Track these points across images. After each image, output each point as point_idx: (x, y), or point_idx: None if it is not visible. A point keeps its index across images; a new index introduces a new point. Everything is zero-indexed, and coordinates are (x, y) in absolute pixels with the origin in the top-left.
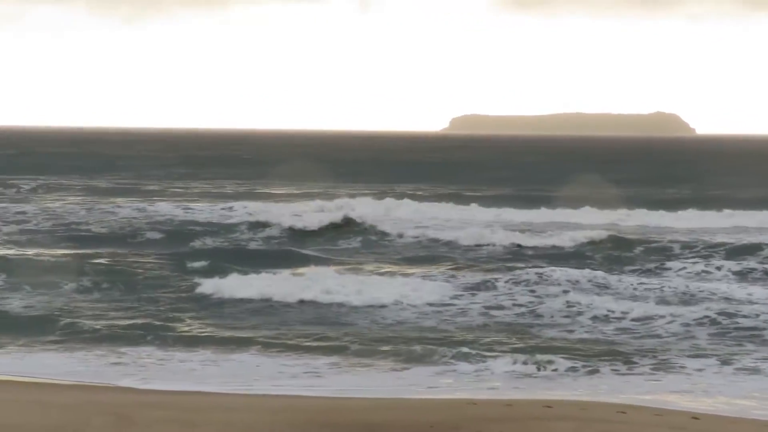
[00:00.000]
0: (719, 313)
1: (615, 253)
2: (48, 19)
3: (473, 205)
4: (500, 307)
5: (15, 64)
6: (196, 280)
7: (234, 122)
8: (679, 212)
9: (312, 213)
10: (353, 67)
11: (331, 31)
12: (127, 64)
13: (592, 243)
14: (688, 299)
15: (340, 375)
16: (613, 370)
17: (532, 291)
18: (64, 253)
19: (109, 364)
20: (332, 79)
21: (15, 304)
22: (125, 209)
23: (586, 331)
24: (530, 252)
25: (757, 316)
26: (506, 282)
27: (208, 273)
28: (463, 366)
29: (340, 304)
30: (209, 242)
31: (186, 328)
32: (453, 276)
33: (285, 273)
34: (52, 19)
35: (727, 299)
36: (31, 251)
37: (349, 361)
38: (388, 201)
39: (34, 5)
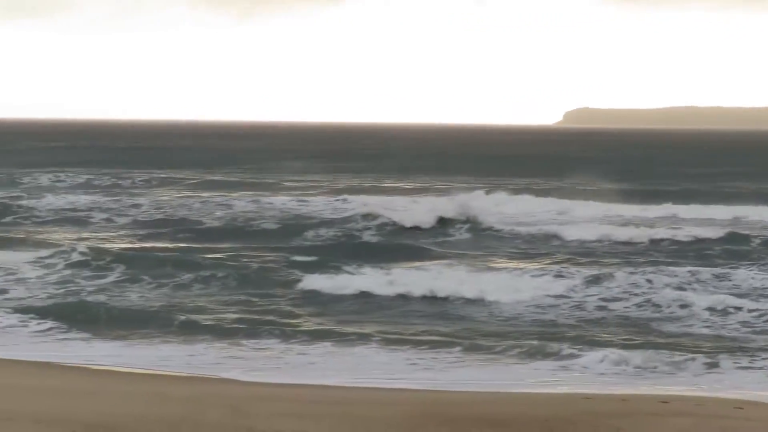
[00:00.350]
0: None
1: (734, 247)
2: (167, 14)
3: (588, 200)
4: (617, 301)
5: (135, 59)
6: (311, 273)
7: (350, 116)
8: None
9: (425, 206)
10: (468, 60)
11: (447, 24)
12: (241, 58)
13: (711, 238)
14: None
15: (457, 369)
16: (731, 365)
17: (650, 285)
18: (178, 246)
19: (226, 357)
20: (447, 72)
21: (133, 297)
22: (240, 202)
23: (705, 326)
24: (646, 246)
25: None
26: (623, 276)
27: (323, 267)
28: (579, 360)
29: (455, 298)
30: (323, 235)
31: (303, 322)
32: (568, 270)
33: (399, 266)
34: (171, 14)
35: None
36: (146, 244)
37: (466, 354)
38: (501, 195)
39: (159, 3)
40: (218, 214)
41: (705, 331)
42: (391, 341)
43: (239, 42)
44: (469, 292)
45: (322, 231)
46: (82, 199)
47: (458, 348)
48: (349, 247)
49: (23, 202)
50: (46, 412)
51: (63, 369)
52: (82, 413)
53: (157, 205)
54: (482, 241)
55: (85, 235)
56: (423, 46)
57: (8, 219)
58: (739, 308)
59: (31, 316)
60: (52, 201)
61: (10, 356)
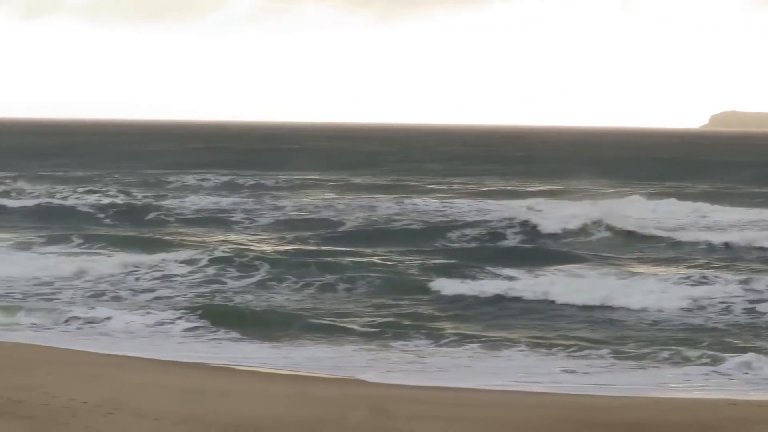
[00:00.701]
0: None
1: None
2: (307, 16)
3: (734, 205)
4: (764, 303)
5: (282, 61)
6: (454, 276)
7: (492, 119)
8: None
9: (569, 210)
10: (612, 63)
11: (592, 27)
12: (380, 61)
13: None
14: None
15: (601, 373)
16: None
17: None
18: (322, 248)
19: (370, 359)
20: (591, 75)
21: (279, 298)
22: (383, 204)
23: None
24: None
25: None
26: None
27: (466, 269)
28: (724, 365)
29: (600, 304)
30: (467, 238)
31: (447, 325)
32: (714, 274)
33: (543, 270)
34: (311, 16)
35: None
36: (290, 246)
37: (611, 359)
38: (645, 199)
39: (296, 4)
40: (361, 215)
41: None
42: (536, 345)
43: (378, 44)
44: (612, 298)
45: (465, 233)
46: (226, 200)
47: (603, 352)
48: (493, 251)
49: (167, 203)
50: (190, 413)
51: (208, 369)
52: (225, 414)
53: (300, 207)
54: (626, 246)
55: (229, 235)
56: (563, 48)
57: (155, 219)
58: None
59: (178, 316)
60: (196, 201)
61: (159, 356)
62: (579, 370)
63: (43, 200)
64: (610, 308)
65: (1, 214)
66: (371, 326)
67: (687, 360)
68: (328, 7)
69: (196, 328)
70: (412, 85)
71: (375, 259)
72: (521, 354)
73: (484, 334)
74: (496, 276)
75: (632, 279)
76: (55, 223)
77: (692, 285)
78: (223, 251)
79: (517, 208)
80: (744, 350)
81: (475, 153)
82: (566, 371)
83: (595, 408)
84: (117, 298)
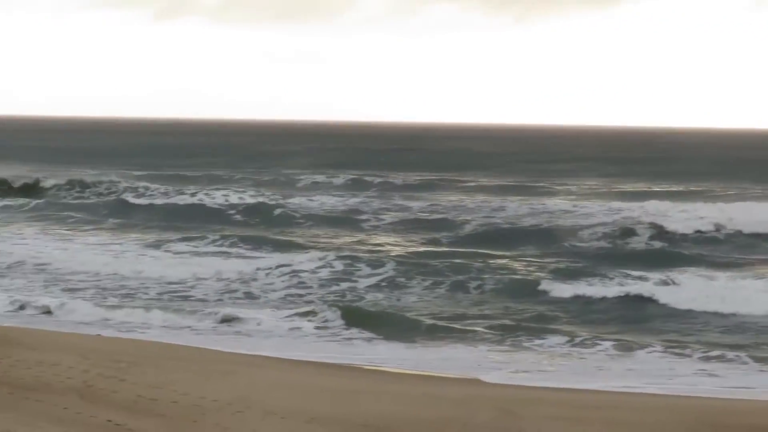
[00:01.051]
0: None
1: None
2: (441, 17)
3: None
4: None
5: (404, 62)
6: (583, 279)
7: (627, 120)
8: None
9: (699, 213)
10: (743, 63)
11: (721, 28)
12: (517, 62)
13: None
14: None
15: (738, 376)
16: None
17: None
18: (450, 250)
19: (497, 360)
20: (721, 76)
21: (408, 298)
22: (512, 205)
23: None
24: None
25: None
26: None
27: (595, 272)
28: None
29: (733, 308)
30: (594, 240)
31: (576, 328)
32: None
33: (675, 273)
34: (444, 17)
35: None
36: (419, 248)
37: (748, 363)
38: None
39: (429, 4)
40: (490, 216)
41: None
42: (670, 347)
43: (513, 45)
44: (749, 301)
45: (594, 235)
46: (353, 200)
47: (738, 356)
48: (622, 252)
49: (296, 201)
50: (318, 411)
51: (337, 368)
52: (354, 413)
53: (429, 207)
54: (757, 248)
55: (358, 235)
56: (694, 49)
57: (284, 219)
58: None
59: (310, 316)
60: (324, 201)
61: (290, 356)
62: (715, 373)
63: (177, 199)
64: (743, 312)
65: (137, 212)
66: (500, 327)
67: None
68: (458, 8)
69: (328, 327)
70: (542, 86)
71: (503, 261)
72: (654, 356)
73: (616, 336)
74: (626, 277)
75: (756, 282)
76: (186, 222)
77: None
78: (352, 251)
79: (645, 210)
80: None
81: (607, 154)
82: (702, 374)
83: (728, 412)
84: (249, 297)
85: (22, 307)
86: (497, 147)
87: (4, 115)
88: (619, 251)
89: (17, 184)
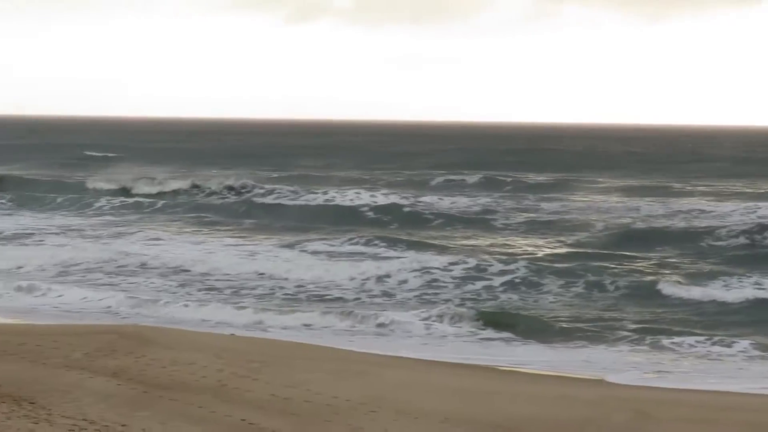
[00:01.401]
0: None
1: None
2: (579, 16)
3: None
4: None
5: (537, 62)
6: (720, 280)
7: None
8: None
9: None
10: None
11: None
12: (652, 61)
13: None
14: None
15: None
16: None
17: None
18: (585, 251)
19: (633, 361)
20: None
21: (543, 300)
22: (647, 206)
23: None
24: None
25: None
26: None
27: (731, 273)
28: None
29: None
30: (731, 241)
31: (714, 329)
32: None
33: None
34: (583, 16)
35: None
36: (552, 248)
37: None
38: None
39: (565, 5)
40: (624, 216)
41: None
42: None
43: (648, 44)
44: None
45: (731, 236)
46: (485, 200)
47: None
48: (759, 255)
49: (427, 200)
50: (452, 412)
51: (472, 369)
52: (488, 413)
53: (563, 208)
54: None
55: (491, 235)
56: None
57: (417, 218)
58: None
59: (446, 317)
60: (457, 200)
61: (427, 356)
62: None
63: (308, 198)
64: None
65: (269, 213)
66: (634, 329)
67: None
68: (594, 8)
69: (463, 327)
70: (675, 85)
71: (638, 262)
72: None
73: (753, 338)
74: (765, 277)
75: None
76: (319, 222)
77: None
78: (484, 251)
79: None
80: None
81: (748, 155)
82: None
83: None
84: (385, 296)
85: (155, 306)
86: (629, 147)
87: (145, 117)
88: (757, 252)
89: (147, 184)
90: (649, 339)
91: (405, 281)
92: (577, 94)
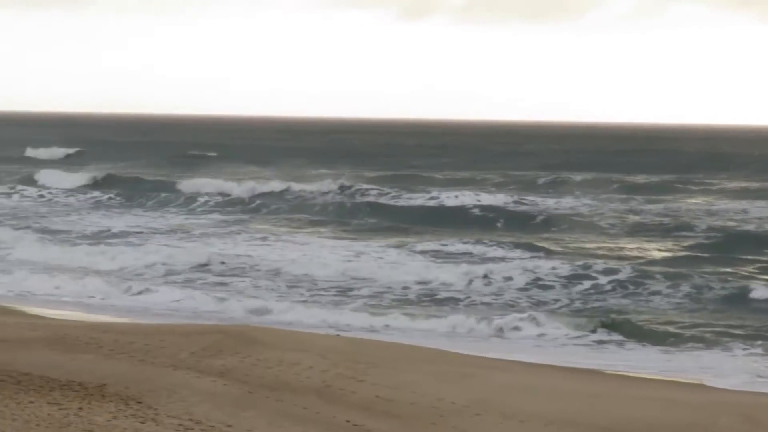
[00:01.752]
0: None
1: None
2: (688, 14)
3: None
4: None
5: (647, 61)
6: None
7: None
8: None
9: None
10: None
11: None
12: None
13: None
14: None
15: None
16: None
17: None
18: (694, 255)
19: (742, 366)
20: None
21: (652, 303)
22: (757, 210)
23: None
24: None
25: None
26: None
27: None
28: None
29: None
30: None
31: None
32: None
33: None
34: (692, 13)
35: None
36: (661, 251)
37: None
38: None
39: (677, 3)
40: (731, 219)
41: None
42: None
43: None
44: None
45: None
46: (591, 201)
47: None
48: None
49: (533, 200)
50: (557, 414)
51: (578, 372)
52: (593, 417)
53: (672, 210)
54: None
55: (598, 238)
56: None
57: (523, 219)
58: None
59: (555, 319)
60: (564, 201)
61: (537, 360)
62: None
63: (414, 199)
64: None
65: (374, 213)
66: (744, 335)
67: None
68: (705, 6)
69: (574, 330)
70: None
71: (749, 266)
72: None
73: None
74: None
75: None
76: (424, 223)
77: None
78: (592, 253)
79: None
80: None
81: None
82: None
83: None
84: (495, 296)
85: (261, 309)
86: (739, 148)
87: (255, 116)
88: None
89: (249, 184)
90: (760, 343)
91: (512, 280)
92: (686, 93)
